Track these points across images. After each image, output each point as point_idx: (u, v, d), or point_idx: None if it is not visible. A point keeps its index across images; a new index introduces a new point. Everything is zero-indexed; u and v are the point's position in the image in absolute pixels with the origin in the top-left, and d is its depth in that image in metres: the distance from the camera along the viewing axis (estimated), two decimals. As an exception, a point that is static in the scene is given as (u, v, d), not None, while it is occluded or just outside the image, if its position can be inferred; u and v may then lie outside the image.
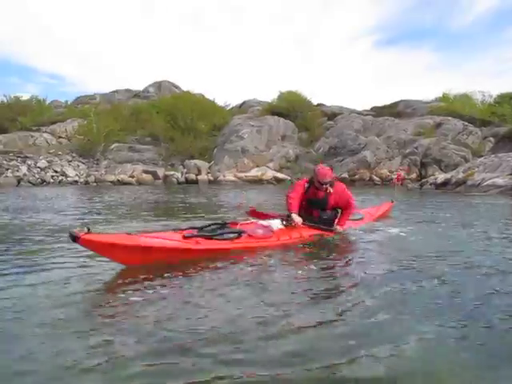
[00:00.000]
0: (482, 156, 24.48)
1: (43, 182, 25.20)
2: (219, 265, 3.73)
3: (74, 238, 3.18)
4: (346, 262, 4.09)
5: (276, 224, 4.84)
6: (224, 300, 2.81)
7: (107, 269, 3.65)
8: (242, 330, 2.27)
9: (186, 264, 3.65)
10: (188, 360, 1.96)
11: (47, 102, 42.01)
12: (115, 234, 3.72)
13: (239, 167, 29.72)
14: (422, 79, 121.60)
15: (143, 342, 2.13)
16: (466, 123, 30.41)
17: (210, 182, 28.57)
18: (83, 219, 7.62)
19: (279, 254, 4.32)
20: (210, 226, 4.59)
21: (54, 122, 35.05)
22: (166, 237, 3.85)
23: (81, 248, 4.58)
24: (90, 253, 4.33)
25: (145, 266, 3.55)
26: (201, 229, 4.42)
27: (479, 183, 18.34)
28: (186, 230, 4.29)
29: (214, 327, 2.31)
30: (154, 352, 2.02)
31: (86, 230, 3.24)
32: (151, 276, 3.35)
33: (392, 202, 8.15)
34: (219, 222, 4.79)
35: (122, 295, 2.90)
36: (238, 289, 3.06)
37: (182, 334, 2.23)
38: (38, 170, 26.30)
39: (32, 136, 31.94)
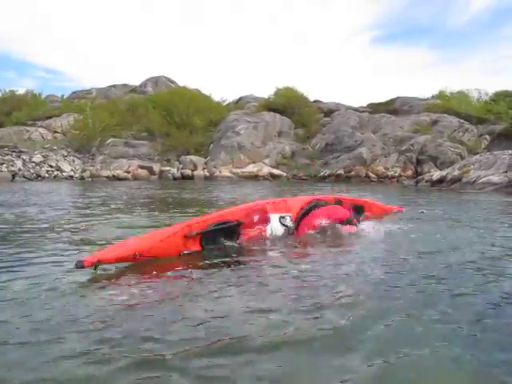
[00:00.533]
0: (477, 153, 24.52)
1: (38, 177, 25.09)
2: (213, 264, 3.68)
3: (81, 266, 3.16)
4: (341, 260, 3.99)
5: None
6: (215, 304, 2.66)
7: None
8: (230, 342, 2.10)
9: (183, 264, 3.61)
10: (171, 374, 1.82)
11: (43, 96, 41.81)
12: (119, 255, 3.46)
13: (235, 163, 29.66)
14: (419, 77, 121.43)
15: (126, 350, 2.00)
16: (462, 121, 30.45)
17: (205, 177, 28.51)
18: (77, 214, 7.59)
19: (274, 253, 4.26)
20: (218, 226, 4.22)
21: (49, 117, 34.89)
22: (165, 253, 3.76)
23: (72, 244, 4.57)
24: (82, 248, 4.31)
25: (137, 264, 3.51)
26: (206, 233, 4.09)
27: (474, 180, 18.37)
28: (191, 234, 3.98)
29: (203, 336, 2.17)
30: (137, 362, 1.89)
31: (95, 264, 3.18)
32: (143, 273, 3.28)
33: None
34: (233, 222, 4.36)
35: (109, 296, 2.78)
36: (229, 293, 2.89)
37: (166, 343, 2.08)
38: (33, 164, 26.18)
39: (27, 130, 31.82)
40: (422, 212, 7.66)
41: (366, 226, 5.40)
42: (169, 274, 3.36)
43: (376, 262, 3.88)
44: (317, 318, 2.41)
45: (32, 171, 25.38)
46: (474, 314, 2.53)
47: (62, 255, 3.94)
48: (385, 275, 3.37)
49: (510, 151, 19.94)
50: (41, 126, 33.24)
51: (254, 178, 28.26)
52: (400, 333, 2.25)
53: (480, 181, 18.04)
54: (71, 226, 5.89)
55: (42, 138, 31.82)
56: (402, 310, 2.56)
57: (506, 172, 17.84)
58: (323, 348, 2.05)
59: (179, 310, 2.53)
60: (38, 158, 26.93)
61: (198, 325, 2.30)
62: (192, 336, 2.16)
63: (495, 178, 17.62)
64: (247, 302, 2.68)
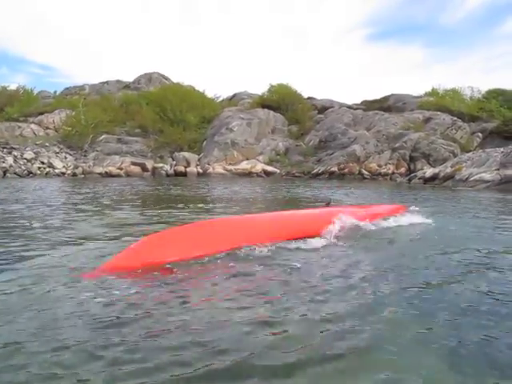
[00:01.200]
0: (470, 151, 24.63)
1: (30, 174, 24.88)
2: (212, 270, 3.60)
3: None
4: (344, 266, 3.90)
5: None
6: (212, 314, 2.44)
7: (85, 262, 3.54)
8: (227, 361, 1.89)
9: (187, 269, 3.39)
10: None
11: (35, 92, 41.41)
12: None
13: (229, 160, 29.60)
14: (414, 74, 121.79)
15: (114, 362, 1.84)
16: (455, 118, 30.53)
17: (199, 174, 28.46)
18: (65, 210, 7.52)
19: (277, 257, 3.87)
20: None
21: (41, 113, 34.54)
22: None
23: (61, 240, 4.51)
24: (69, 245, 4.25)
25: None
26: None
27: (467, 178, 18.47)
28: None
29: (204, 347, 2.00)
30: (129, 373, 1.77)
31: None
32: (138, 277, 3.14)
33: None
34: None
35: (90, 297, 2.61)
36: (228, 302, 2.66)
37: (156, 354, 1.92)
38: (25, 161, 25.94)
39: (19, 127, 31.52)
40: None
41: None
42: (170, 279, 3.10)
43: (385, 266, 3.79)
44: (322, 332, 2.21)
45: (23, 168, 25.15)
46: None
47: (45, 253, 3.88)
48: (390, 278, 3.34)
49: (501, 149, 20.06)
50: (33, 122, 32.94)
51: (248, 174, 28.24)
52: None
53: (472, 178, 18.14)
54: (57, 222, 5.83)
55: (34, 134, 31.55)
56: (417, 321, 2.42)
57: (497, 170, 17.94)
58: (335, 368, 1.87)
59: (175, 320, 2.31)
60: (29, 154, 26.68)
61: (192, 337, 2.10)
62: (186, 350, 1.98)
63: (487, 176, 17.71)
64: (248, 312, 2.45)
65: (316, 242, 4.27)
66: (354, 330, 2.20)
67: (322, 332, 2.18)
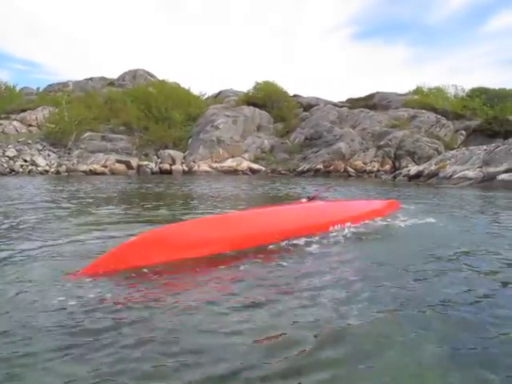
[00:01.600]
0: (453, 149, 24.89)
1: (12, 172, 24.48)
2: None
3: None
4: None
5: None
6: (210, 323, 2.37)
7: (65, 263, 3.47)
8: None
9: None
10: None
11: (17, 88, 40.75)
12: None
13: (214, 157, 29.50)
14: (398, 73, 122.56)
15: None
16: (439, 116, 30.83)
17: (184, 172, 28.32)
18: (48, 209, 7.39)
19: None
20: None
21: (24, 110, 33.97)
22: None
23: (41, 240, 4.42)
24: (49, 245, 4.17)
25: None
26: None
27: (451, 175, 18.65)
28: None
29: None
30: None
31: None
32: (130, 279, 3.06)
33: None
34: None
35: (67, 300, 2.53)
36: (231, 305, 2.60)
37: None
38: (7, 159, 25.49)
39: (0, 124, 30.98)
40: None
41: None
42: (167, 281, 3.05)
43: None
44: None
45: (5, 166, 24.71)
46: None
47: (22, 253, 3.79)
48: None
49: (484, 147, 20.32)
50: (15, 119, 32.40)
51: (233, 172, 28.20)
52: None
53: (456, 176, 18.32)
54: (36, 220, 5.72)
55: (16, 131, 31.01)
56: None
57: (480, 167, 18.16)
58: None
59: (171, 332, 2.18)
60: (11, 152, 26.22)
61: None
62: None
63: (470, 173, 17.91)
64: (236, 317, 2.37)
65: (310, 241, 4.24)
66: (351, 337, 2.17)
67: (316, 338, 2.13)
